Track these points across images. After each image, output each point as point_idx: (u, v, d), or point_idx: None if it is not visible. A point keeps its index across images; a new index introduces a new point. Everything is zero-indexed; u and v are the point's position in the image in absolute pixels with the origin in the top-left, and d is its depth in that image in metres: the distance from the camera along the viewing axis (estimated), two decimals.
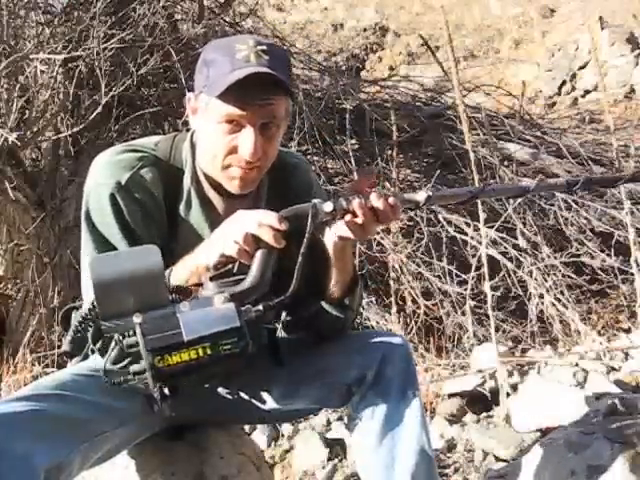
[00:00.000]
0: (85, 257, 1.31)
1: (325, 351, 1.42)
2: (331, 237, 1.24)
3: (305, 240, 1.12)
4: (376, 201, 1.16)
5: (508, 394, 2.46)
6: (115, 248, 1.28)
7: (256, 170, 1.28)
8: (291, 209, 1.16)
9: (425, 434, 1.35)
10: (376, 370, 1.33)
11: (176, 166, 1.35)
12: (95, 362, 1.47)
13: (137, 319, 0.94)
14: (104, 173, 1.30)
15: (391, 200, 1.18)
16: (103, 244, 1.29)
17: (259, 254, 1.12)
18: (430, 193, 1.23)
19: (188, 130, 1.39)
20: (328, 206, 1.16)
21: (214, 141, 1.26)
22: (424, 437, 1.34)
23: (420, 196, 1.23)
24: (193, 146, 1.35)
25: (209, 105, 1.24)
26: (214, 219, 1.33)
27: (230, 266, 1.13)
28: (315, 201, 1.17)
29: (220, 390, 1.42)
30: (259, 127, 1.24)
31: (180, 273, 1.20)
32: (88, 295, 1.28)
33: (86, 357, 1.51)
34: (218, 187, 1.33)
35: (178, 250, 1.34)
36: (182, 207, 1.34)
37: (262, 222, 1.12)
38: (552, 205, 4.25)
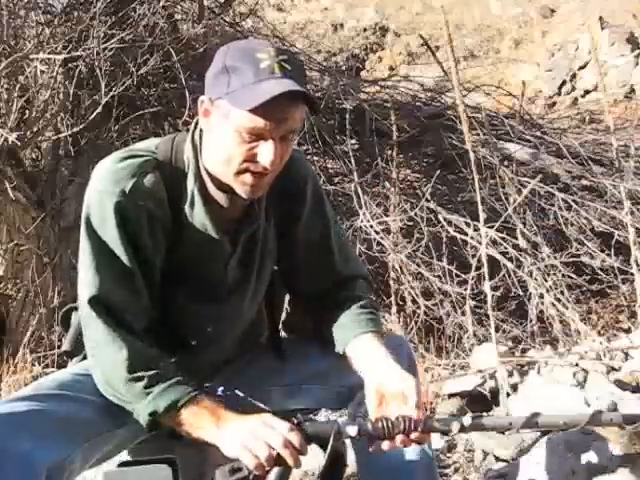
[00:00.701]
0: (82, 265, 1.30)
1: (326, 352, 1.41)
2: None
3: (325, 458, 1.15)
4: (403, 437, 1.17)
5: (508, 394, 2.46)
6: (115, 256, 1.27)
7: (269, 176, 1.28)
8: (314, 426, 1.17)
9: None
10: None
11: (178, 167, 1.34)
12: None
13: None
14: (107, 181, 1.28)
15: (417, 434, 1.17)
16: (102, 253, 1.28)
17: (275, 472, 1.13)
18: (464, 422, 1.17)
19: (187, 130, 1.38)
20: (352, 430, 1.15)
21: (231, 147, 1.25)
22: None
23: (454, 426, 1.17)
24: (195, 146, 1.34)
25: (231, 113, 1.22)
26: (218, 214, 1.33)
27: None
28: (339, 421, 1.17)
29: (220, 390, 1.42)
30: (280, 138, 1.24)
31: (186, 428, 1.23)
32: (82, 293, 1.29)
33: (86, 357, 1.52)
34: (222, 185, 1.33)
35: (184, 250, 1.35)
36: (187, 207, 1.33)
37: (288, 441, 1.14)
38: (552, 205, 4.25)
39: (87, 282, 1.28)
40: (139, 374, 1.24)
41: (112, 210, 1.26)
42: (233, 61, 1.23)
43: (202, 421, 1.22)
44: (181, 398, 1.22)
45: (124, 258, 1.28)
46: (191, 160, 1.33)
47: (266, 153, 1.23)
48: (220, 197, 1.34)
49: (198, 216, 1.34)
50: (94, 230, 1.28)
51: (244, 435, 1.16)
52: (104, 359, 1.27)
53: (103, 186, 1.28)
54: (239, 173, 1.26)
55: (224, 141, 1.25)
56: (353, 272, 1.49)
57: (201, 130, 1.34)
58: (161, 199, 1.31)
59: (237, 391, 1.41)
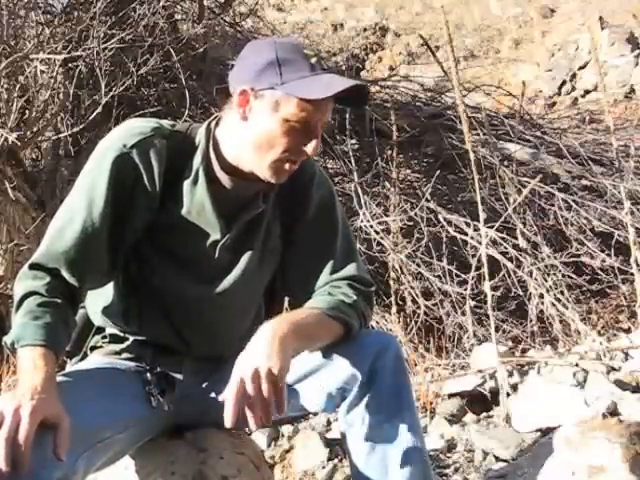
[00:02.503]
0: (63, 205, 1.36)
1: (315, 353, 1.37)
2: None
3: None
4: None
5: (508, 394, 2.46)
6: (92, 202, 1.32)
7: (298, 163, 1.34)
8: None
9: (419, 438, 1.32)
10: (367, 373, 1.30)
11: (188, 144, 1.38)
12: (94, 361, 1.47)
13: None
14: (116, 136, 1.35)
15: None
16: (85, 193, 1.33)
17: None
18: None
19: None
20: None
21: (277, 135, 1.29)
22: (418, 441, 1.31)
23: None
24: (209, 130, 1.39)
25: (282, 102, 1.27)
26: (218, 196, 1.37)
27: None
28: None
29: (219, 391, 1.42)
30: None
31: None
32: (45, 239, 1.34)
33: (85, 356, 1.51)
34: (229, 169, 1.37)
35: (172, 225, 1.37)
36: (188, 183, 1.37)
37: (10, 439, 1.06)
38: (552, 205, 4.25)
39: (52, 228, 1.34)
40: (30, 297, 1.27)
41: (110, 161, 1.32)
42: (284, 54, 1.29)
43: (20, 371, 1.19)
44: (24, 339, 1.21)
45: (100, 205, 1.32)
46: (202, 141, 1.38)
47: (314, 142, 1.30)
48: (225, 179, 1.37)
49: (199, 194, 1.36)
50: (88, 167, 1.35)
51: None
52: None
53: (110, 140, 1.35)
54: (276, 161, 1.31)
55: (269, 129, 1.30)
56: (346, 274, 1.44)
57: (218, 120, 1.39)
58: (156, 167, 1.34)
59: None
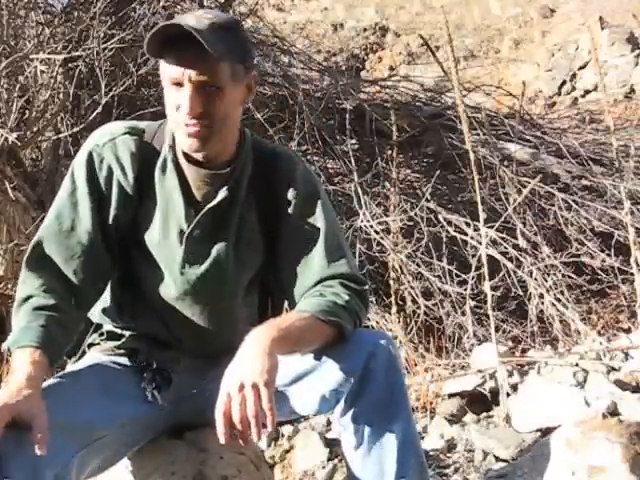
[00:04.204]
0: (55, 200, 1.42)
1: (308, 355, 1.35)
2: None
3: None
4: None
5: (508, 394, 2.46)
6: (76, 198, 1.38)
7: (205, 129, 1.32)
8: None
9: (415, 438, 1.32)
10: (360, 374, 1.28)
11: (159, 139, 1.42)
12: (91, 358, 1.48)
13: None
14: (91, 139, 1.42)
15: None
16: (69, 191, 1.40)
17: None
18: None
19: None
20: None
21: (166, 103, 1.34)
22: (414, 444, 1.31)
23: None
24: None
25: (161, 69, 1.34)
26: (188, 185, 1.39)
27: None
28: None
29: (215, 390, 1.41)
30: (197, 86, 1.29)
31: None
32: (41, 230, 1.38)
33: (83, 354, 1.52)
34: (192, 158, 1.38)
35: (145, 216, 1.40)
36: (157, 172, 1.40)
37: None
38: (552, 205, 4.25)
39: (41, 228, 1.40)
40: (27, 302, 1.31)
41: (85, 158, 1.38)
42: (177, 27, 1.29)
43: (11, 372, 1.21)
44: (16, 342, 1.24)
45: (84, 201, 1.37)
46: (169, 133, 1.40)
47: (184, 99, 1.29)
48: (187, 168, 1.39)
49: (168, 183, 1.39)
50: (72, 171, 1.40)
51: None
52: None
53: (86, 144, 1.42)
54: (176, 127, 1.34)
55: (165, 99, 1.36)
56: (337, 272, 1.40)
57: None
58: (127, 165, 1.38)
59: None
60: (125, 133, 1.40)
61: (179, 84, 1.30)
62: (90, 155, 1.39)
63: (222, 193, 1.38)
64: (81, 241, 1.36)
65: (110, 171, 1.38)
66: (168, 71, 1.31)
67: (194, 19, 1.29)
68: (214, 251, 1.40)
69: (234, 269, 1.43)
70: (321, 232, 1.42)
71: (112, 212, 1.38)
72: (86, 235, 1.36)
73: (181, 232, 1.39)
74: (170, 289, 1.41)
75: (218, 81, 1.30)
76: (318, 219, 1.43)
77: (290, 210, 1.43)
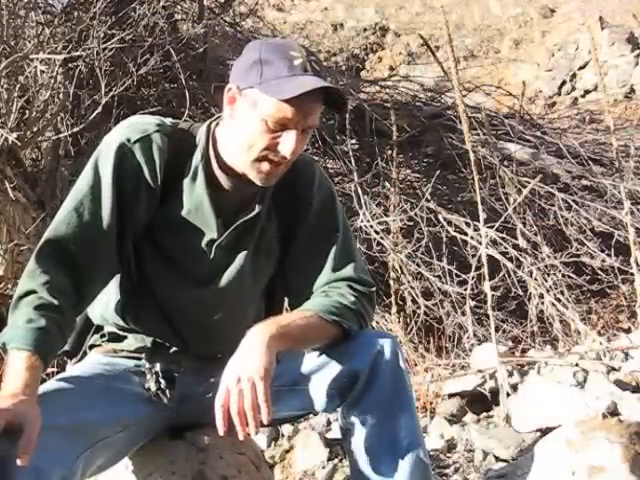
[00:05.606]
0: (65, 203, 1.36)
1: (314, 354, 1.37)
2: None
3: None
4: None
5: (508, 394, 2.46)
6: (99, 190, 1.34)
7: (282, 166, 1.34)
8: None
9: (419, 441, 1.32)
10: (366, 373, 1.30)
11: (189, 142, 1.40)
12: (93, 360, 1.47)
13: None
14: (121, 131, 1.38)
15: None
16: (92, 181, 1.35)
17: None
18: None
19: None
20: None
21: (255, 134, 1.30)
22: (418, 444, 1.31)
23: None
24: (209, 129, 1.40)
25: (260, 101, 1.28)
26: (219, 194, 1.38)
27: None
28: None
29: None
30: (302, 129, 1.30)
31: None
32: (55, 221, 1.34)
33: (84, 356, 1.51)
34: (227, 169, 1.37)
35: (170, 222, 1.38)
36: (187, 180, 1.38)
37: None
38: (552, 205, 4.25)
39: (56, 220, 1.34)
40: (26, 297, 1.26)
41: (114, 154, 1.34)
42: (267, 55, 1.29)
43: (4, 374, 1.19)
44: (13, 341, 1.20)
45: (107, 194, 1.33)
46: (202, 140, 1.39)
47: (289, 142, 1.28)
48: (223, 179, 1.38)
49: (197, 192, 1.38)
50: (97, 163, 1.35)
51: None
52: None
53: (115, 136, 1.37)
54: (258, 160, 1.31)
55: (248, 128, 1.30)
56: (344, 275, 1.43)
57: (218, 119, 1.40)
58: (158, 163, 1.36)
59: None
60: (157, 131, 1.37)
61: (285, 125, 1.29)
62: (120, 149, 1.34)
63: (257, 207, 1.40)
64: (101, 236, 1.33)
65: (139, 169, 1.35)
66: (280, 112, 1.27)
67: (309, 65, 1.28)
68: (238, 260, 1.42)
69: (254, 277, 1.46)
70: (336, 235, 1.45)
71: (134, 211, 1.36)
72: (106, 230, 1.33)
73: (211, 241, 1.39)
74: (188, 294, 1.41)
75: (315, 125, 1.35)
76: (334, 223, 1.47)
77: (309, 213, 1.45)
